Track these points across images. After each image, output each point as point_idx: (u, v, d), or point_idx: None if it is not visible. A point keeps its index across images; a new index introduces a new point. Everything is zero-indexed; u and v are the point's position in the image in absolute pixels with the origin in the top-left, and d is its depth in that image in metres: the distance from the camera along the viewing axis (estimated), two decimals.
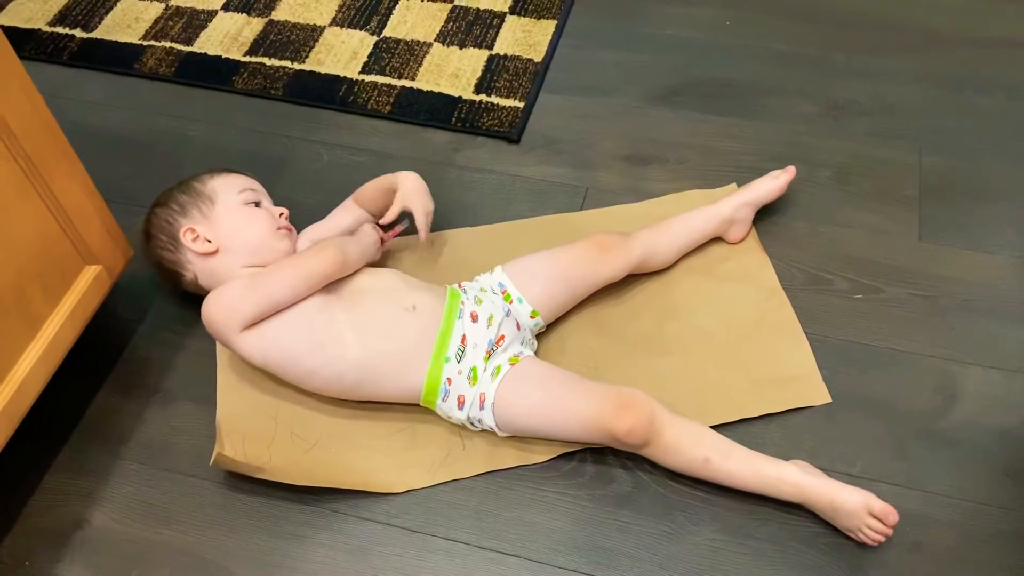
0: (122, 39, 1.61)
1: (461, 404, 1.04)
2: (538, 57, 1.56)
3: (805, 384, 1.12)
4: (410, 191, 1.19)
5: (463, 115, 1.46)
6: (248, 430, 1.08)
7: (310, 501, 1.03)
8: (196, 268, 1.14)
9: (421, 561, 0.99)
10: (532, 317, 1.12)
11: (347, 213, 1.25)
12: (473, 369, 1.04)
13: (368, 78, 1.52)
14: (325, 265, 1.05)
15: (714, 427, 1.05)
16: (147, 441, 1.10)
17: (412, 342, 1.05)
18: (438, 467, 1.05)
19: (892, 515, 0.94)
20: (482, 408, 1.03)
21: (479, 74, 1.53)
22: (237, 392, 1.11)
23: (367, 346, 1.04)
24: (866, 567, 0.97)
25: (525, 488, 1.04)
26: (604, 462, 1.05)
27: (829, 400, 1.10)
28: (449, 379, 1.04)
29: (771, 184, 1.27)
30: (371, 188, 1.23)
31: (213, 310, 1.04)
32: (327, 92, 1.51)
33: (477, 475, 1.05)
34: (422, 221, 1.19)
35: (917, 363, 1.14)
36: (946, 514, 1.01)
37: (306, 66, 1.55)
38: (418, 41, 1.59)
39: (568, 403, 1.01)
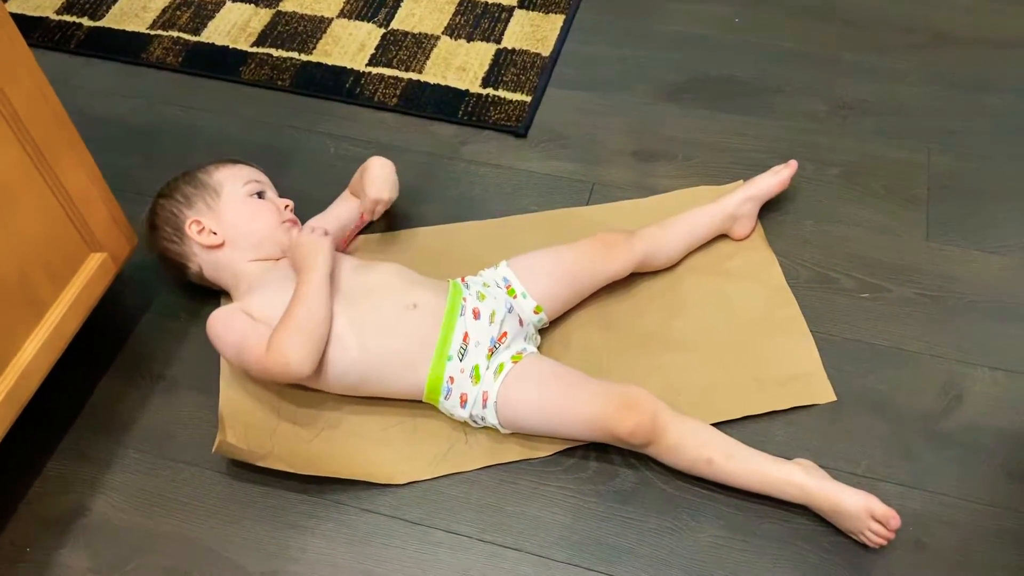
0: (130, 28, 1.60)
1: (464, 402, 1.04)
2: (546, 51, 1.56)
3: (810, 382, 1.11)
4: (368, 178, 1.19)
5: (470, 108, 1.46)
6: (251, 420, 1.08)
7: (312, 492, 1.03)
8: (201, 260, 1.14)
9: (422, 553, 0.99)
10: (536, 312, 1.11)
11: (345, 204, 1.25)
12: (476, 367, 1.04)
13: (375, 70, 1.52)
14: (321, 285, 1.04)
15: (719, 423, 1.05)
16: (150, 429, 1.09)
17: (413, 341, 1.04)
18: (440, 460, 1.05)
19: (894, 520, 0.93)
20: (485, 406, 1.03)
21: (487, 68, 1.52)
22: (240, 382, 1.11)
23: (367, 346, 1.04)
24: (868, 566, 0.97)
25: (528, 482, 1.04)
26: (607, 458, 1.05)
27: (834, 398, 1.10)
28: (451, 378, 1.04)
29: (772, 179, 1.26)
30: (356, 177, 1.24)
31: (277, 373, 1.01)
32: (334, 84, 1.50)
33: (479, 468, 1.05)
34: (367, 205, 1.19)
35: (923, 363, 1.14)
36: (950, 514, 1.01)
37: (313, 58, 1.55)
38: (426, 34, 1.59)
39: (571, 403, 1.01)
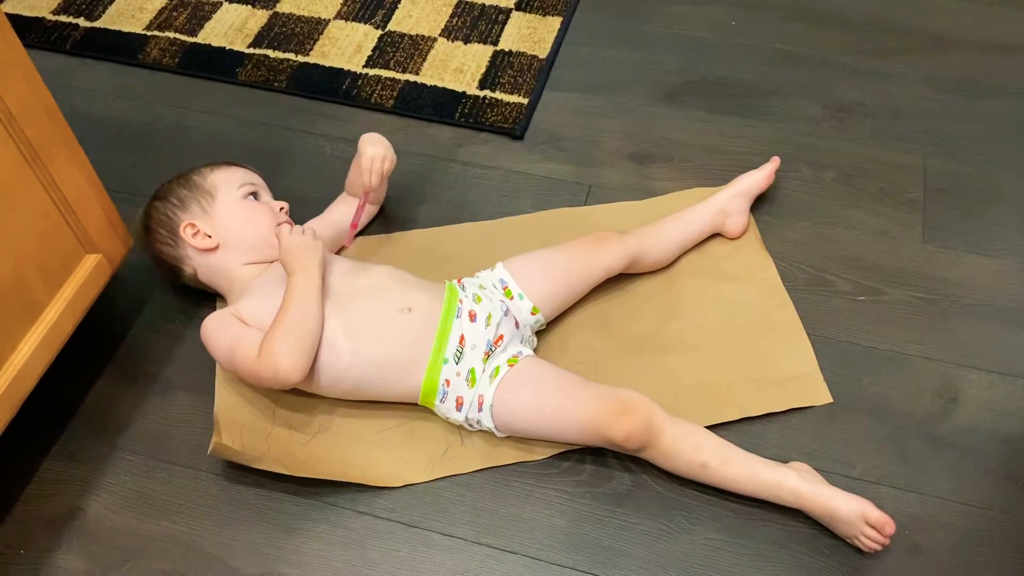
0: (126, 29, 1.60)
1: (459, 406, 1.04)
2: (543, 54, 1.56)
3: (806, 384, 1.11)
4: (362, 143, 1.18)
5: (467, 110, 1.46)
6: (246, 422, 1.08)
7: (308, 494, 1.03)
8: (196, 263, 1.14)
9: (418, 556, 0.99)
10: (533, 314, 1.11)
11: (343, 207, 1.25)
12: (471, 371, 1.04)
13: (372, 72, 1.52)
14: (311, 289, 1.03)
15: (715, 426, 1.05)
16: (145, 431, 1.09)
17: (408, 345, 1.04)
18: (437, 462, 1.05)
19: (889, 526, 0.93)
20: (480, 410, 1.03)
21: (484, 70, 1.52)
22: (235, 384, 1.11)
23: (360, 352, 1.03)
24: (865, 569, 0.97)
25: (523, 485, 1.04)
26: (603, 461, 1.05)
27: (830, 400, 1.10)
28: (447, 381, 1.04)
29: (759, 174, 1.28)
30: (351, 172, 1.23)
31: (267, 379, 1.01)
32: (331, 85, 1.50)
33: (475, 471, 1.05)
34: (367, 164, 1.17)
35: (919, 366, 1.14)
36: (946, 517, 1.01)
37: (310, 59, 1.55)
38: (423, 35, 1.59)
39: (566, 407, 1.01)
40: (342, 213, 1.24)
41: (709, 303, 1.20)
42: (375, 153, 1.17)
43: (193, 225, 1.12)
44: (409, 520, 1.01)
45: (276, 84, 1.51)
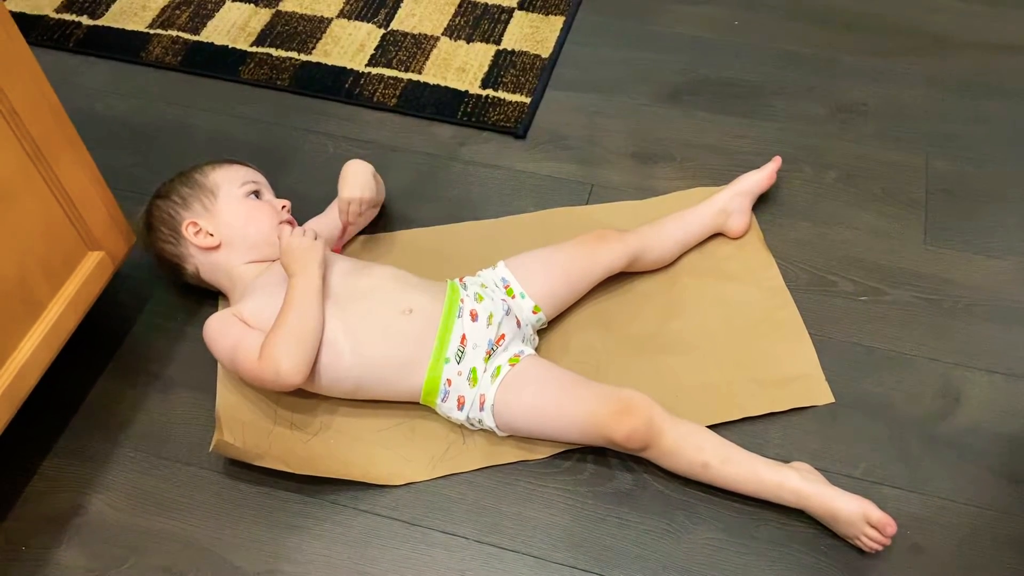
0: (129, 27, 1.60)
1: (461, 405, 1.04)
2: (545, 53, 1.56)
3: (808, 383, 1.11)
4: (342, 179, 1.19)
5: (469, 109, 1.46)
6: (248, 420, 1.08)
7: (309, 492, 1.03)
8: (198, 261, 1.14)
9: (420, 554, 0.99)
10: (534, 312, 1.11)
11: None
12: (473, 370, 1.04)
13: (375, 71, 1.52)
14: (312, 291, 1.03)
15: (716, 425, 1.05)
16: (146, 429, 1.09)
17: (409, 346, 1.04)
18: (438, 461, 1.05)
19: (890, 526, 0.93)
20: (482, 409, 1.03)
21: (486, 69, 1.52)
22: (237, 382, 1.11)
23: (361, 353, 1.03)
24: (865, 569, 0.97)
25: (525, 483, 1.04)
26: (604, 460, 1.05)
27: (832, 400, 1.10)
28: (449, 380, 1.04)
29: (760, 174, 1.28)
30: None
31: (269, 381, 1.01)
32: (333, 84, 1.50)
33: (477, 470, 1.05)
34: (341, 207, 1.18)
35: (921, 366, 1.14)
36: (947, 517, 1.01)
37: (313, 58, 1.55)
38: (425, 35, 1.59)
39: (567, 407, 1.01)
40: None
41: (710, 303, 1.20)
42: (350, 196, 1.17)
43: (195, 223, 1.12)
44: (411, 518, 1.01)
45: (279, 83, 1.51)
